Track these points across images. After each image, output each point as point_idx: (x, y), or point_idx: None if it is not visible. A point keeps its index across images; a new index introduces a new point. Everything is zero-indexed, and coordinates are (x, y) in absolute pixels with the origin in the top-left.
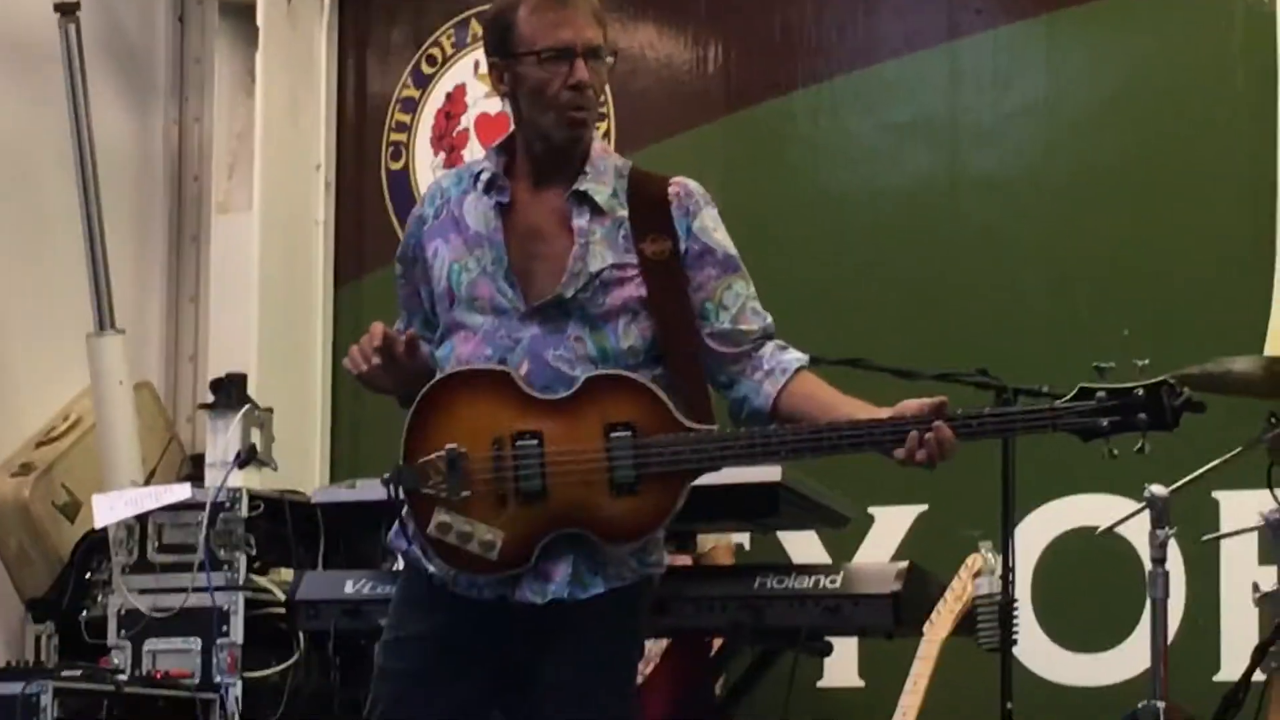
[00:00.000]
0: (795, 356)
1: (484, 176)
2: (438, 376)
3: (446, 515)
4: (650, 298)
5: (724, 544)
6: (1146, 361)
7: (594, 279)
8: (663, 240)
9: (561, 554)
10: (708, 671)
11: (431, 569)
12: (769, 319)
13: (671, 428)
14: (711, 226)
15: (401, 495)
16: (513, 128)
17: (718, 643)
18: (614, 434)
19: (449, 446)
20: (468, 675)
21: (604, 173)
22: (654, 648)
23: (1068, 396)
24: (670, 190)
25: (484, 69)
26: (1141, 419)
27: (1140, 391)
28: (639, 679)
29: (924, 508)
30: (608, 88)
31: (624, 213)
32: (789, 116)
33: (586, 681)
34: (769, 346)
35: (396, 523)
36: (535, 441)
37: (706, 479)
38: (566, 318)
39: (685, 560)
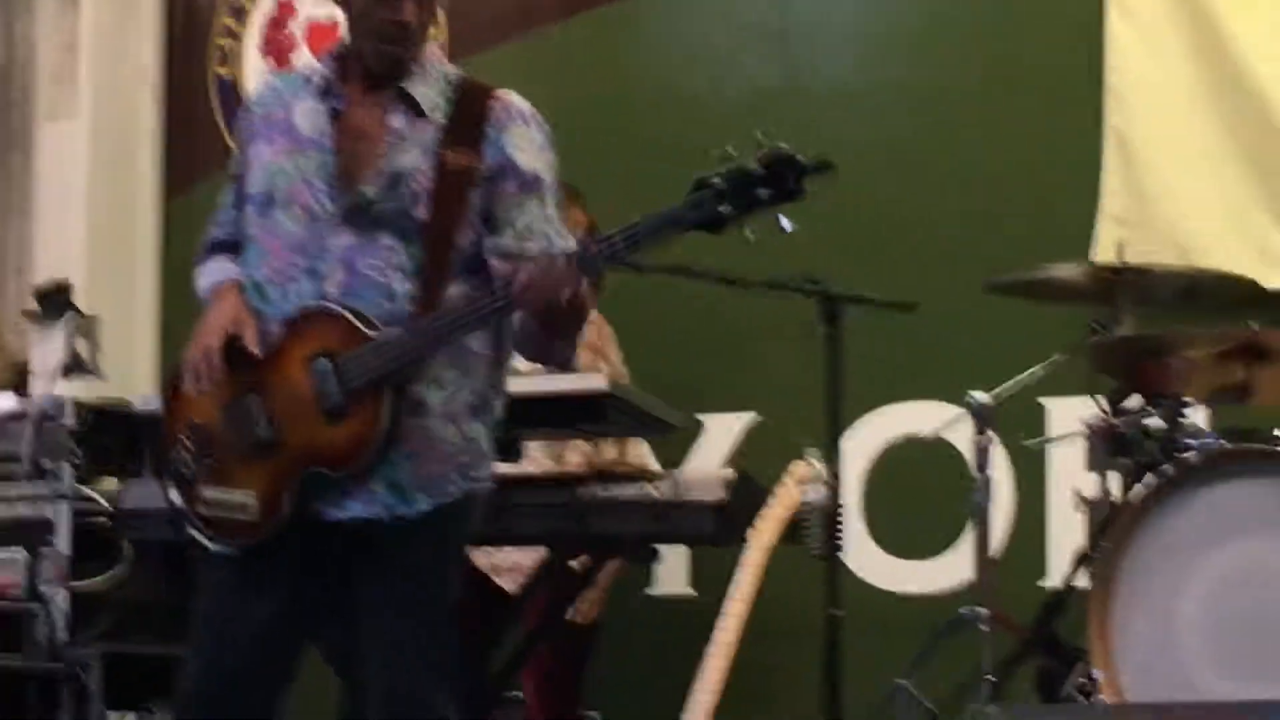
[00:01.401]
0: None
1: (316, 82)
2: (170, 369)
3: (207, 490)
4: (431, 206)
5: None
6: (762, 134)
7: (396, 180)
8: (466, 153)
9: (380, 474)
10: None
11: (214, 547)
12: (560, 245)
13: (364, 343)
14: (521, 144)
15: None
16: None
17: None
18: (315, 364)
19: (189, 422)
20: (281, 590)
21: (432, 77)
22: (526, 558)
23: (687, 192)
24: (491, 104)
25: None
26: (763, 194)
27: (755, 166)
28: (515, 588)
29: (753, 415)
30: None
31: (443, 118)
32: (625, 21)
33: (406, 589)
34: None
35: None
36: (255, 395)
37: (532, 387)
38: (378, 226)
39: (526, 468)
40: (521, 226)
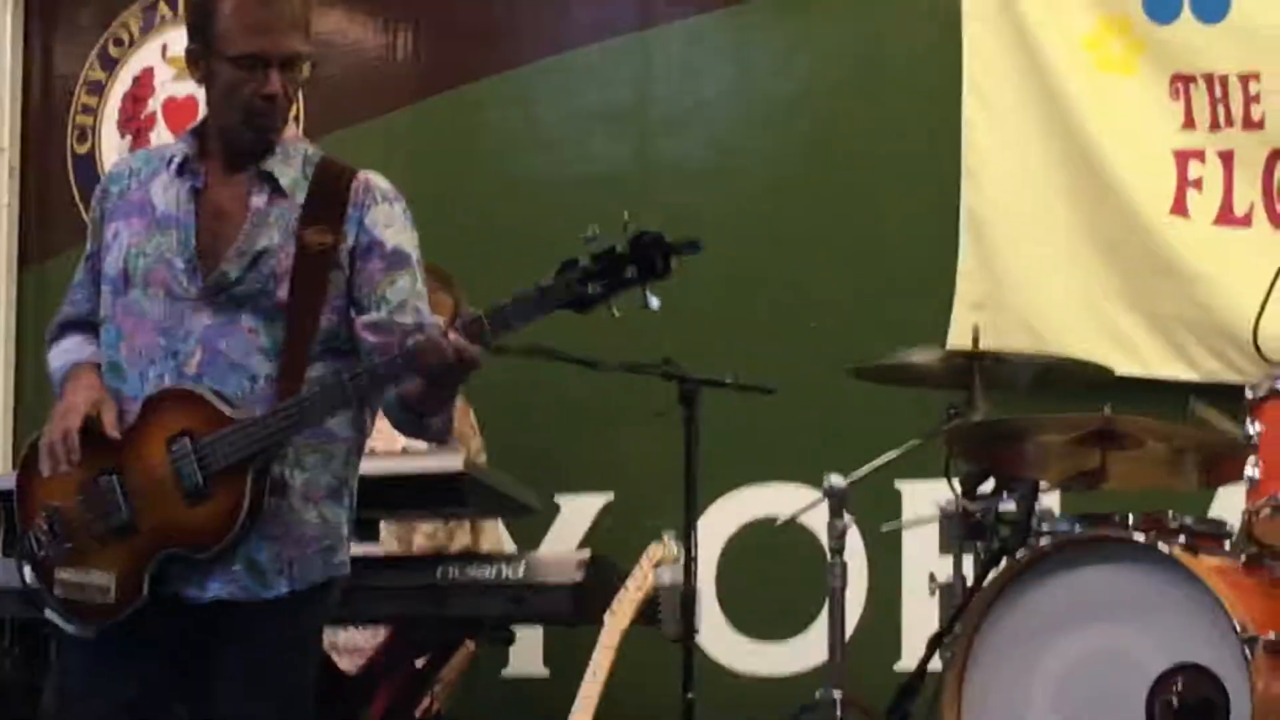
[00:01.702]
0: None
1: (176, 159)
2: (31, 440)
3: (63, 572)
4: (291, 286)
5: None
6: (628, 216)
7: (256, 258)
8: (326, 232)
9: (239, 555)
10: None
11: (70, 629)
12: (430, 319)
13: (225, 425)
14: (384, 221)
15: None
16: (205, 112)
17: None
18: (174, 445)
19: (45, 506)
20: (138, 670)
21: (293, 157)
22: (367, 639)
23: (551, 274)
24: (352, 183)
25: (172, 53)
26: (630, 274)
27: (622, 247)
28: (355, 669)
29: (609, 497)
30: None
31: (302, 198)
32: (479, 104)
33: (263, 677)
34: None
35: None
36: (112, 476)
37: (389, 469)
38: (239, 307)
39: (373, 550)
40: (396, 301)
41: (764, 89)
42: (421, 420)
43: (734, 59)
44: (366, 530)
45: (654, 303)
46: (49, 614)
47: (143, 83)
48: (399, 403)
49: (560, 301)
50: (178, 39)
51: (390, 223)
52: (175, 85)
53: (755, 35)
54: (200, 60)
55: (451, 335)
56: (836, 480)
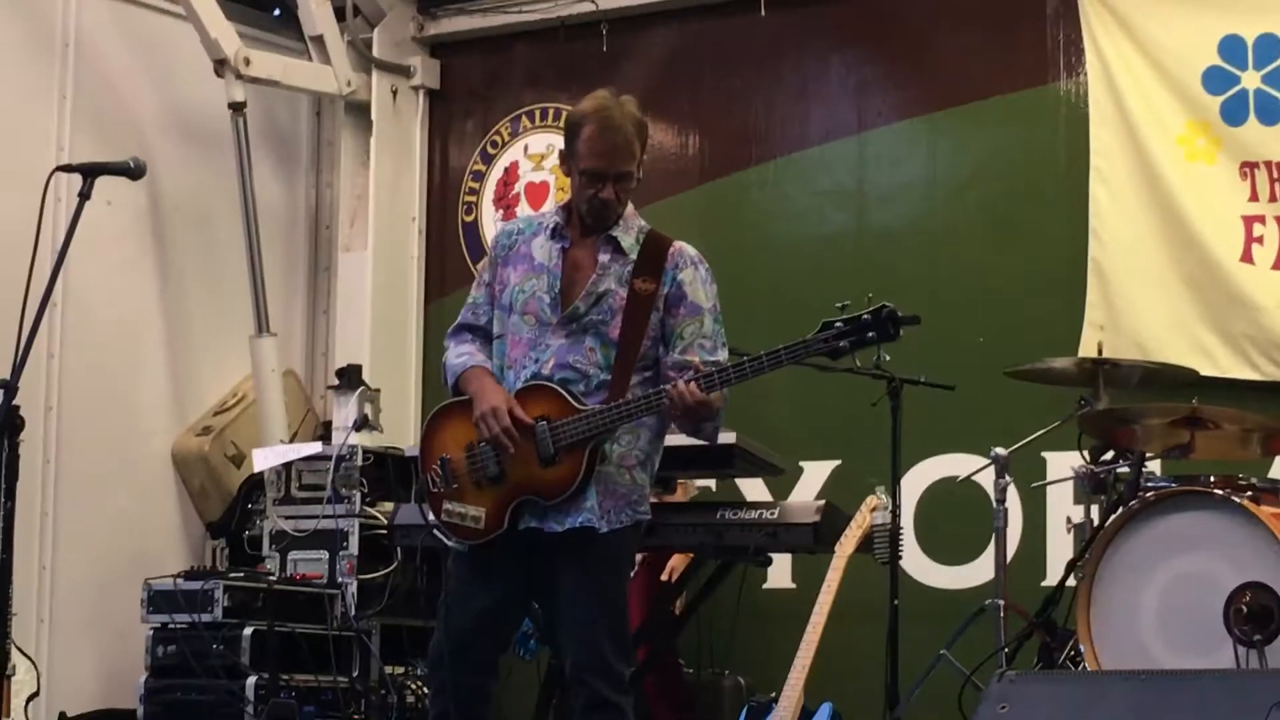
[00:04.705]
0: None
1: (550, 225)
2: (433, 411)
3: (449, 504)
4: (622, 320)
5: (680, 486)
6: (871, 295)
7: (599, 298)
8: (650, 282)
9: (579, 503)
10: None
11: (450, 544)
12: (715, 356)
13: (572, 414)
14: (689, 280)
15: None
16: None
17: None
18: (537, 425)
19: (440, 457)
20: (501, 582)
21: (631, 228)
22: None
23: (815, 330)
24: (670, 249)
25: (531, 151)
26: (871, 336)
27: (867, 316)
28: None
29: (839, 462)
30: None
31: (635, 258)
32: (744, 187)
33: (595, 585)
34: None
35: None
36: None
37: (682, 442)
38: (584, 333)
39: (667, 498)
40: (687, 340)
41: (948, 175)
42: (693, 432)
43: (926, 154)
44: (667, 485)
45: (885, 358)
46: (435, 532)
47: (510, 172)
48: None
49: (820, 351)
50: (536, 141)
51: (694, 281)
52: (533, 174)
53: (942, 136)
54: (565, 162)
55: (686, 388)
56: (1000, 451)
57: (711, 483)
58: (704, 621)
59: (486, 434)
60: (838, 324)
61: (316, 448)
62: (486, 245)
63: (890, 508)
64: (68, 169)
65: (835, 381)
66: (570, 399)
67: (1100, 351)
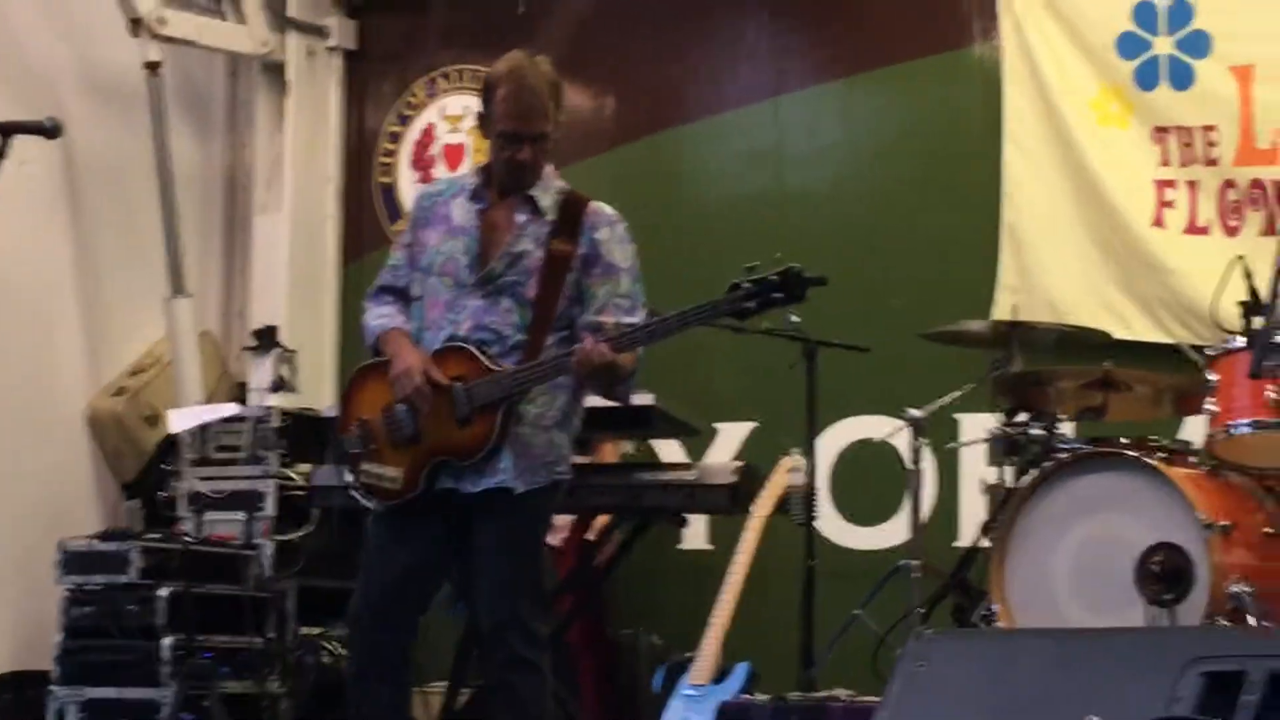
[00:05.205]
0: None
1: (470, 187)
2: (353, 373)
3: (366, 464)
4: (538, 281)
5: (609, 446)
6: (779, 255)
7: (516, 259)
8: (568, 243)
9: (495, 463)
10: (590, 545)
11: (368, 505)
12: (626, 320)
13: (487, 375)
14: (605, 239)
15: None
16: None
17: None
18: (453, 386)
19: (358, 418)
20: (419, 543)
21: (549, 189)
22: (563, 521)
23: (724, 292)
24: (587, 208)
25: (447, 113)
26: (778, 297)
27: (774, 277)
28: (558, 543)
29: (755, 424)
30: None
31: (552, 218)
32: (657, 149)
33: (511, 545)
34: None
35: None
36: (406, 404)
37: (599, 403)
38: (500, 294)
39: (584, 459)
40: (601, 300)
41: (864, 138)
42: (604, 393)
43: (843, 117)
44: (585, 446)
45: (793, 318)
46: (353, 494)
47: (427, 133)
48: None
49: (727, 312)
50: (453, 103)
51: (610, 240)
52: (450, 136)
53: (859, 99)
54: (483, 125)
55: (594, 349)
56: (914, 413)
57: (629, 445)
58: (621, 582)
59: (401, 394)
60: (745, 285)
61: (233, 409)
62: (403, 207)
63: (806, 469)
64: None
65: (752, 343)
66: (486, 360)
67: (1014, 314)
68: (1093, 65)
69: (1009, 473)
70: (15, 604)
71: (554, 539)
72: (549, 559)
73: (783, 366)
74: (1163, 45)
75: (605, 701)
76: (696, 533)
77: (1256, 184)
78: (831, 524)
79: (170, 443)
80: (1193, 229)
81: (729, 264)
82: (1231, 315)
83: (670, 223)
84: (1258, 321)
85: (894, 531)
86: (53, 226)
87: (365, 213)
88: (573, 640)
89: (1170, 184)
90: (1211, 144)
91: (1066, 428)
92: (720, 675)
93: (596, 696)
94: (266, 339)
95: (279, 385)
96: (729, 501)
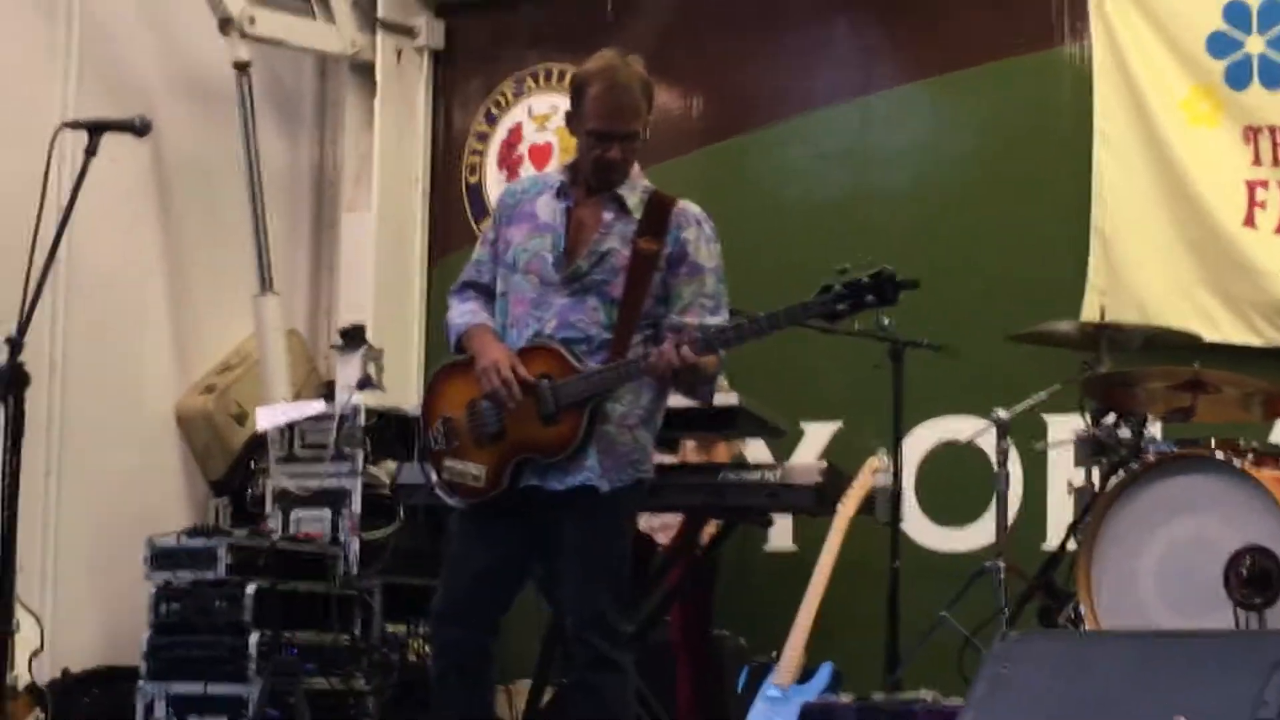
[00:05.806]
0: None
1: (555, 184)
2: (435, 370)
3: (449, 461)
4: (625, 279)
5: (722, 446)
6: (871, 258)
7: (603, 257)
8: (654, 241)
9: (580, 461)
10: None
11: (451, 502)
12: (710, 320)
13: (573, 374)
14: (692, 239)
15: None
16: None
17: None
18: (539, 384)
19: (442, 415)
20: (504, 540)
21: (636, 187)
22: (668, 520)
23: (815, 293)
24: (674, 208)
25: (535, 112)
26: (870, 299)
27: (866, 279)
28: (665, 541)
29: (840, 424)
30: None
31: (639, 217)
32: (744, 150)
33: (595, 544)
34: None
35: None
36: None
37: (685, 404)
38: (587, 292)
39: (671, 459)
40: (686, 300)
41: (951, 138)
42: (687, 393)
43: (930, 116)
44: (671, 445)
45: (886, 321)
46: (436, 491)
47: (514, 133)
48: None
49: (819, 313)
50: (540, 103)
51: (697, 240)
52: (537, 135)
53: (946, 99)
54: (571, 121)
55: (676, 349)
56: (1001, 413)
57: (741, 446)
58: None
59: (488, 386)
60: (836, 287)
61: (320, 407)
62: (490, 206)
63: (891, 470)
64: (74, 125)
65: (839, 343)
66: (571, 358)
67: (1102, 315)
68: (1183, 64)
69: (1096, 474)
70: (105, 600)
71: (663, 537)
72: (654, 557)
73: (868, 367)
74: (1254, 44)
75: (701, 704)
76: (782, 533)
77: None
78: (917, 525)
79: (258, 440)
80: None
81: (814, 264)
82: None
83: (754, 223)
84: None
85: (980, 533)
86: (142, 224)
87: (452, 212)
88: (674, 640)
89: (1262, 184)
90: None
91: (1154, 429)
92: (804, 676)
93: (694, 698)
94: (353, 337)
95: (365, 383)
96: (814, 502)
